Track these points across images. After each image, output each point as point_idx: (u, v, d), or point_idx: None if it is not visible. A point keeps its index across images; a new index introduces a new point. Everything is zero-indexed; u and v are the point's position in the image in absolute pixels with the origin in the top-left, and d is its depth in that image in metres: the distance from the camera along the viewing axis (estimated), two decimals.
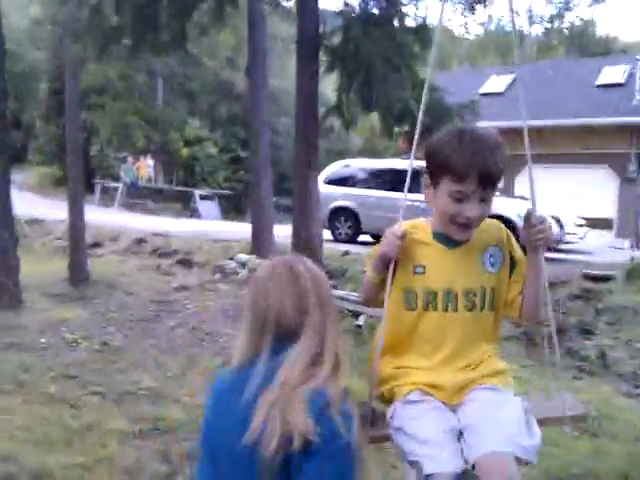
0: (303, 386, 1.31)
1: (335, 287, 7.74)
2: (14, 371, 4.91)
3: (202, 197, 20.03)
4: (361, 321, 6.91)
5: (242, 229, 14.16)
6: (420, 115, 1.83)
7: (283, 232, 11.20)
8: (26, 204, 16.13)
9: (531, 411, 1.52)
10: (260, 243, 10.39)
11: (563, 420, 1.66)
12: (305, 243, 6.97)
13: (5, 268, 6.87)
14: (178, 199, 21.50)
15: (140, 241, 11.59)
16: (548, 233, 1.52)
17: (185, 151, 22.81)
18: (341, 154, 22.51)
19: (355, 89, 6.71)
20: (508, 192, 14.42)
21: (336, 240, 11.47)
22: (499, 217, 10.78)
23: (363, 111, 7.25)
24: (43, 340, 5.91)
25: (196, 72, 24.68)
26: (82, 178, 9.09)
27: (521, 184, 16.32)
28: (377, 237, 12.41)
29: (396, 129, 7.79)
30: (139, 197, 20.50)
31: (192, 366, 5.56)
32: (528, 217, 1.53)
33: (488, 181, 1.47)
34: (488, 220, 1.59)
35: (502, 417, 1.44)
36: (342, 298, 7.59)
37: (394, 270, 1.62)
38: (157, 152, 23.80)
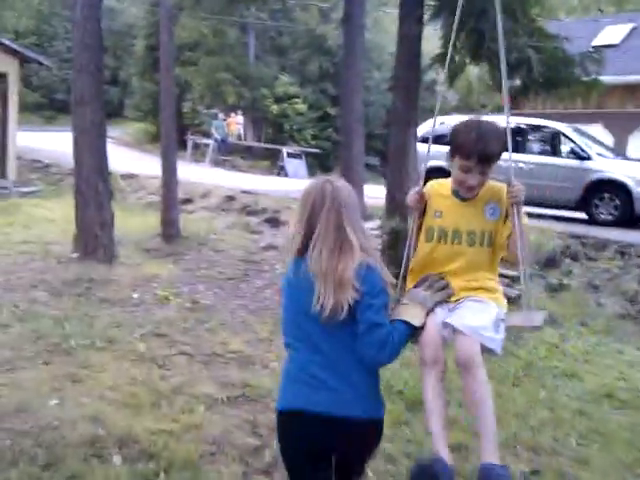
0: (341, 265, 1.89)
1: None
2: (106, 327, 4.90)
3: (290, 155, 19.83)
4: None
5: None
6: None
7: (370, 192, 10.81)
8: (122, 159, 16.60)
9: (502, 317, 2.07)
10: None
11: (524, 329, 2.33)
12: (399, 205, 6.53)
13: (100, 222, 6.94)
14: (266, 156, 21.47)
15: (229, 198, 11.57)
16: (519, 196, 2.04)
17: (275, 108, 22.63)
18: (434, 111, 21.47)
19: (463, 36, 6.10)
20: (620, 150, 13.17)
21: None
22: (611, 182, 9.89)
23: (472, 60, 6.61)
24: (135, 295, 5.92)
25: (288, 27, 24.27)
26: (175, 134, 9.06)
27: (635, 144, 14.94)
28: None
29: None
30: (229, 154, 20.60)
31: (279, 330, 5.37)
32: (508, 183, 2.07)
33: (485, 161, 2.03)
34: (494, 183, 2.13)
35: (479, 315, 2.00)
36: None
37: (423, 215, 2.21)
38: (247, 109, 23.77)
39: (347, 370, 1.91)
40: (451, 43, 3.34)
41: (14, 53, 12.43)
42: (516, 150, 10.68)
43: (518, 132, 11.04)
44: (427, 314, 1.99)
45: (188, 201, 11.49)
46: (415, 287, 2.10)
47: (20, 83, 27.44)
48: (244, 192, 11.74)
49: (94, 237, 6.91)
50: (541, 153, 10.81)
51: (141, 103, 26.41)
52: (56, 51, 30.12)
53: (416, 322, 1.96)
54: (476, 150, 2.01)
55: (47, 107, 30.15)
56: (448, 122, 11.96)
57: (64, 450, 3.04)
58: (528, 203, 9.35)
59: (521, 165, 10.35)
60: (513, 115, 12.70)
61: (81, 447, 3.07)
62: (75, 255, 6.87)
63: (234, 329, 5.29)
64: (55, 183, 13.52)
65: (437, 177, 8.24)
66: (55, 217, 9.54)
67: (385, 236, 6.64)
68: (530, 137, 11.09)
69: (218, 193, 11.83)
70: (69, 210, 7.16)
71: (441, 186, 2.21)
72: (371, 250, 2.02)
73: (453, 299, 2.07)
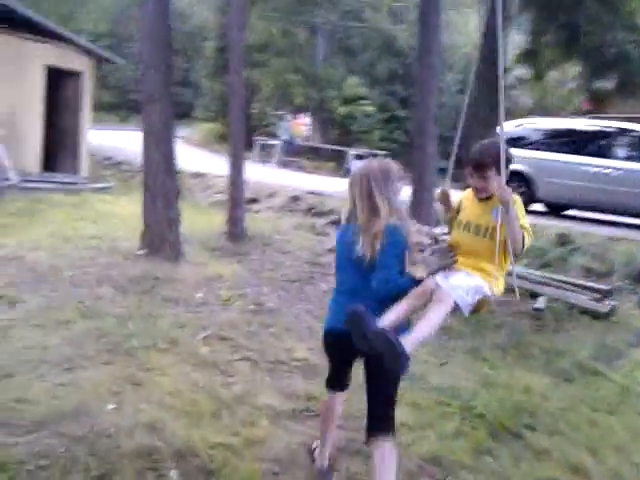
0: (373, 225, 2.61)
1: None
2: (169, 327, 4.75)
3: (356, 157, 19.54)
4: (541, 303, 5.98)
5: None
6: None
7: None
8: (191, 158, 16.77)
9: (483, 292, 2.59)
10: (418, 207, 9.64)
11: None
12: None
13: (167, 219, 6.86)
14: (332, 158, 21.23)
15: (295, 199, 11.38)
16: (504, 197, 2.49)
17: (342, 109, 22.38)
18: (509, 114, 20.71)
19: (553, 31, 5.62)
20: None
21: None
22: None
23: (563, 58, 6.11)
24: (199, 295, 5.76)
25: (358, 28, 23.99)
26: (243, 134, 8.93)
27: None
28: (554, 206, 11.05)
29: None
30: (295, 155, 20.50)
31: None
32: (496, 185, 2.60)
33: (479, 168, 2.71)
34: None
35: (462, 279, 2.57)
36: (518, 276, 6.67)
37: (456, 212, 2.88)
38: (314, 110, 23.66)
39: (372, 299, 2.57)
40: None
41: (88, 52, 12.71)
42: (601, 155, 10.00)
43: (603, 136, 10.33)
44: (428, 274, 2.65)
45: (254, 201, 11.37)
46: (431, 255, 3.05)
47: (95, 82, 28.43)
48: (310, 193, 11.52)
49: (161, 234, 6.83)
50: (629, 159, 10.05)
51: (211, 104, 26.80)
52: (131, 52, 30.99)
53: (417, 275, 2.66)
54: (472, 160, 2.75)
55: (122, 106, 31.12)
56: (525, 124, 11.41)
57: (119, 460, 2.85)
58: (615, 212, 8.61)
59: (607, 171, 9.66)
60: (598, 118, 11.96)
61: (137, 459, 2.87)
62: (141, 252, 6.81)
63: (299, 335, 5.04)
64: (126, 180, 13.74)
65: (515, 182, 7.79)
66: (124, 213, 9.58)
67: None
68: (617, 142, 10.33)
69: (284, 193, 11.66)
70: (138, 207, 7.11)
71: (470, 191, 2.85)
72: (399, 212, 2.70)
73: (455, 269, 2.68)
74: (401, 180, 2.79)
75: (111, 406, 3.39)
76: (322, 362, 4.44)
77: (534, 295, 6.32)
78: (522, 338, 5.51)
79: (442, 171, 15.25)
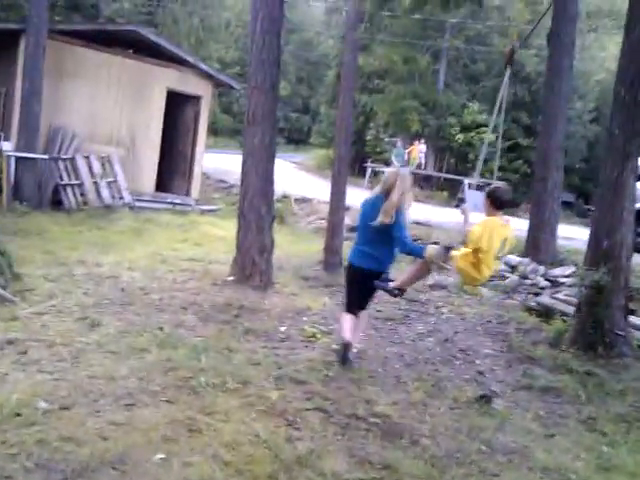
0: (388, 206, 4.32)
1: (631, 310, 5.88)
2: (243, 364, 4.41)
3: (471, 186, 18.62)
4: None
5: (514, 225, 12.54)
6: None
7: (564, 232, 9.40)
8: (301, 183, 16.81)
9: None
10: (537, 244, 8.78)
11: None
12: (606, 253, 5.27)
13: (259, 247, 6.63)
14: (446, 187, 20.45)
15: None
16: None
17: (460, 137, 21.56)
18: None
19: None
20: None
21: (637, 250, 9.16)
22: None
23: None
24: (282, 329, 5.42)
25: (482, 53, 23.15)
26: (348, 159, 8.62)
27: None
28: None
29: None
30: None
31: (438, 393, 4.48)
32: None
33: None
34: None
35: None
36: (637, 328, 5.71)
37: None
38: (431, 137, 23.02)
39: (380, 252, 4.47)
40: None
41: (208, 77, 13.08)
42: None
43: None
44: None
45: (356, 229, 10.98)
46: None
47: (219, 107, 29.61)
48: (416, 223, 10.94)
49: (252, 262, 6.61)
50: None
51: (326, 130, 27.03)
52: None
53: (425, 253, 4.42)
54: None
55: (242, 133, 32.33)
56: None
57: None
58: None
59: None
60: None
61: None
62: (231, 278, 6.62)
63: (383, 384, 4.50)
64: (235, 203, 13.89)
65: None
66: (227, 236, 9.57)
67: (584, 290, 5.39)
68: None
69: None
70: None
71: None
72: (404, 202, 4.41)
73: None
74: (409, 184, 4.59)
75: (160, 456, 3.06)
76: (406, 421, 3.90)
77: None
78: None
79: (567, 205, 14.13)
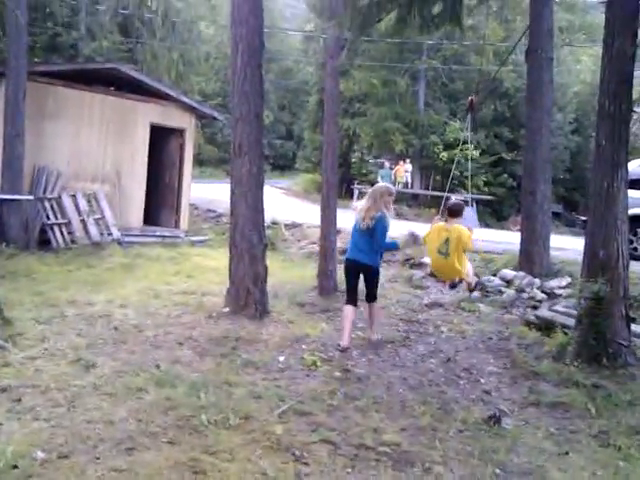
0: (370, 212, 5.63)
1: (632, 319, 5.82)
2: (244, 398, 4.29)
3: (467, 203, 18.71)
4: None
5: (505, 238, 12.54)
6: None
7: (555, 243, 9.37)
8: (289, 208, 16.77)
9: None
10: (531, 257, 8.75)
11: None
12: (603, 263, 5.24)
13: (253, 276, 6.54)
14: (433, 204, 20.50)
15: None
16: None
17: (444, 155, 21.71)
18: (632, 153, 19.03)
19: None
20: None
21: (631, 257, 9.15)
22: None
23: None
24: (281, 359, 5.31)
25: (460, 72, 23.46)
26: (336, 182, 8.58)
27: None
28: None
29: None
30: (394, 202, 20.01)
31: (446, 416, 4.38)
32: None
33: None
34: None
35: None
36: None
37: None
38: (415, 156, 23.17)
39: (367, 249, 5.65)
40: None
41: (191, 109, 13.09)
42: None
43: None
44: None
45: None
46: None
47: (204, 139, 29.68)
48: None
49: (246, 291, 6.51)
50: None
51: (311, 155, 27.15)
52: None
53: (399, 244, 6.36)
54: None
55: (228, 162, 32.38)
56: None
57: None
58: None
59: None
60: None
61: None
62: (226, 310, 6.51)
63: (389, 411, 4.40)
64: (224, 232, 13.79)
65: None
66: (219, 266, 9.45)
67: (584, 301, 5.34)
68: None
69: None
70: None
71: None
72: (383, 209, 5.64)
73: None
74: (391, 196, 5.85)
75: None
76: (416, 448, 3.80)
77: None
78: None
79: (554, 215, 14.24)
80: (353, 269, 5.82)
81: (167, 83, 16.53)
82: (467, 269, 5.89)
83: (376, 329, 6.13)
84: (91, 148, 11.62)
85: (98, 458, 3.32)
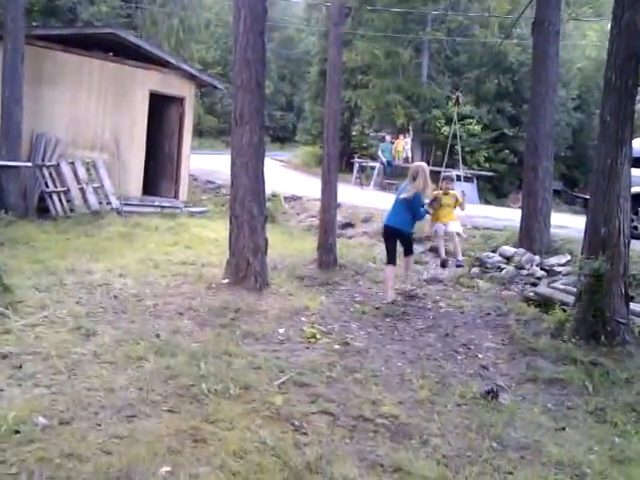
0: (412, 188, 6.72)
1: (631, 297, 5.83)
2: (244, 369, 4.31)
3: (459, 178, 18.61)
4: None
5: (505, 215, 12.51)
6: None
7: (555, 221, 9.35)
8: (289, 181, 16.68)
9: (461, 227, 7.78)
10: (531, 234, 8.73)
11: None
12: (604, 240, 5.23)
13: (253, 248, 6.52)
14: (434, 180, 20.40)
15: None
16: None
17: (446, 129, 21.51)
18: (635, 130, 18.85)
19: None
20: None
21: (632, 236, 9.13)
22: None
23: None
24: (280, 331, 5.33)
25: (464, 45, 23.14)
26: (337, 155, 8.51)
27: None
28: None
29: None
30: (394, 177, 19.89)
31: (444, 390, 4.41)
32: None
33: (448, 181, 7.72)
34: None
35: (454, 225, 7.40)
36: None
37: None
38: (416, 130, 22.98)
39: (404, 217, 6.74)
40: None
41: (191, 78, 12.91)
42: None
43: None
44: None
45: (348, 225, 10.93)
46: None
47: (203, 108, 29.34)
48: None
49: (246, 263, 6.50)
50: None
51: (312, 127, 26.89)
52: None
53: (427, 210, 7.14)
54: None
55: (228, 132, 32.05)
56: None
57: None
58: None
59: None
60: None
61: None
62: (226, 281, 6.51)
63: (388, 384, 4.43)
64: (224, 204, 13.74)
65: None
66: (219, 238, 9.45)
67: (584, 278, 5.35)
68: None
69: (380, 218, 11.07)
70: None
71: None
72: (423, 187, 6.73)
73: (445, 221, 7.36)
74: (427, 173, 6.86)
75: (165, 469, 2.96)
76: (414, 420, 3.83)
77: None
78: None
79: (555, 193, 14.06)
80: (391, 233, 6.86)
81: (166, 50, 16.27)
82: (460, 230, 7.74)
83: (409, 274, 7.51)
84: (90, 115, 11.48)
85: (99, 425, 3.34)
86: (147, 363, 4.29)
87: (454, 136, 14.30)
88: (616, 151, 5.22)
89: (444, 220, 7.35)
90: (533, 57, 9.31)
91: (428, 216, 7.30)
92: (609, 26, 5.87)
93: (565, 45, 23.03)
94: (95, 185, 10.98)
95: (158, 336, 4.87)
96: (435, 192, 7.40)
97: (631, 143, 5.42)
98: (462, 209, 7.60)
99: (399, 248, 6.95)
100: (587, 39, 25.83)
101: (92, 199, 10.79)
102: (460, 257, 7.49)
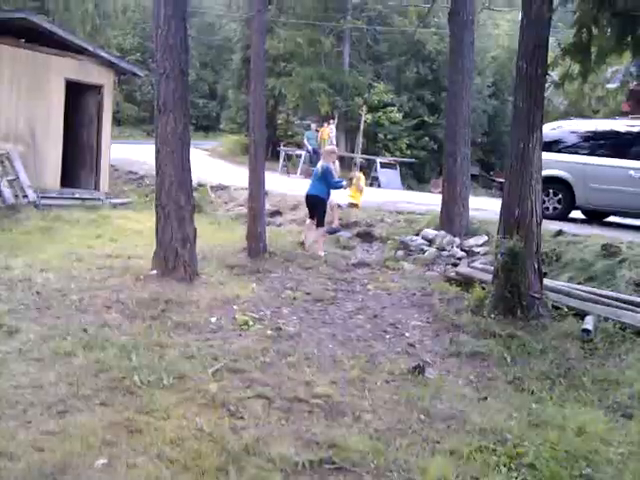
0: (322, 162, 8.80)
1: (544, 273, 6.23)
2: (177, 359, 4.32)
3: (383, 165, 19.06)
4: (589, 324, 5.38)
5: (427, 200, 12.94)
6: None
7: (475, 204, 9.80)
8: (215, 171, 16.50)
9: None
10: (451, 217, 9.12)
11: None
12: (518, 221, 5.56)
13: (181, 237, 6.45)
14: (359, 167, 20.72)
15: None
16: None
17: (368, 117, 21.87)
18: (544, 116, 19.85)
19: (605, 21, 5.06)
20: None
21: (544, 217, 9.71)
22: None
23: (615, 49, 5.50)
24: (212, 320, 5.34)
25: (384, 34, 23.54)
26: (264, 143, 8.51)
27: None
28: (593, 213, 10.39)
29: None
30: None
31: (374, 368, 4.59)
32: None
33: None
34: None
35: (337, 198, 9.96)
36: (559, 291, 6.09)
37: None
38: (340, 118, 23.22)
39: (318, 186, 8.48)
40: None
41: (109, 65, 12.50)
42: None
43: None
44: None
45: (277, 213, 10.99)
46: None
47: (122, 96, 28.37)
48: (336, 204, 11.03)
49: (174, 254, 6.43)
50: None
51: (236, 116, 26.63)
52: None
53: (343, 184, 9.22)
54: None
55: (148, 121, 31.11)
56: (564, 126, 10.77)
57: None
58: None
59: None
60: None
61: None
62: (154, 272, 6.42)
63: (320, 365, 4.55)
64: (148, 195, 13.42)
65: (554, 187, 7.19)
66: (143, 229, 9.26)
67: (500, 257, 5.67)
68: None
69: None
70: None
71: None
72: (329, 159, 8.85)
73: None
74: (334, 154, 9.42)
75: (102, 461, 2.96)
76: (346, 399, 3.97)
77: (580, 314, 5.72)
78: (570, 365, 4.92)
79: (474, 178, 14.81)
80: (311, 200, 8.61)
81: (82, 37, 15.64)
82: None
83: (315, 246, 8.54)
84: (1, 105, 10.91)
85: (29, 422, 3.27)
86: (76, 358, 4.22)
87: (387, 120, 16.18)
88: (528, 135, 5.55)
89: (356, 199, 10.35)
90: (450, 46, 9.66)
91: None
92: (520, 16, 6.20)
93: (479, 34, 23.84)
94: (10, 178, 10.47)
95: (85, 330, 4.77)
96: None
97: (542, 128, 5.77)
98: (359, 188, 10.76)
99: None
100: (500, 29, 26.89)
101: (7, 193, 10.28)
102: (334, 224, 9.78)
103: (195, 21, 36.74)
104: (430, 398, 4.08)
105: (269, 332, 5.18)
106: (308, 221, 8.89)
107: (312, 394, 3.99)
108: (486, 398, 4.22)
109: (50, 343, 4.44)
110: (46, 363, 4.10)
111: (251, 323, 5.32)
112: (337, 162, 8.90)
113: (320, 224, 8.49)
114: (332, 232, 9.48)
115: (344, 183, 9.21)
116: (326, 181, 8.39)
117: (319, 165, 8.62)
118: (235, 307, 5.76)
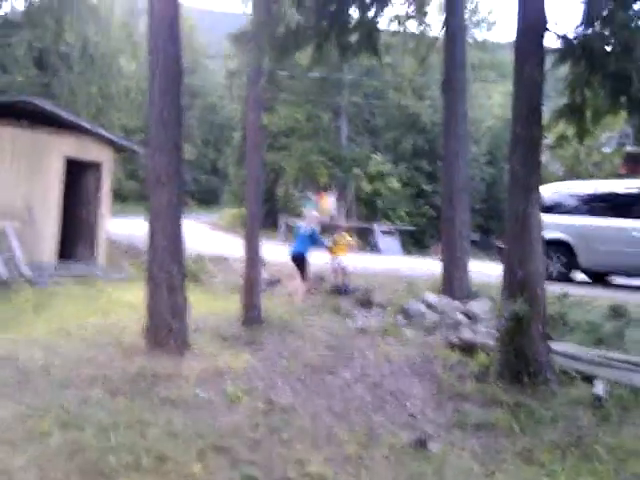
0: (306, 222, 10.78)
1: (550, 337, 5.95)
2: (159, 438, 4.02)
3: (382, 232, 19.11)
4: (600, 389, 5.06)
5: (427, 266, 12.77)
6: None
7: (473, 268, 9.61)
8: (215, 242, 16.48)
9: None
10: (451, 281, 8.92)
11: None
12: (522, 283, 5.36)
13: (172, 308, 6.25)
14: (359, 235, 20.76)
15: (320, 278, 10.76)
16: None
17: (368, 187, 22.12)
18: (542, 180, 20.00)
19: (597, 82, 5.05)
20: None
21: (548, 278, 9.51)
22: None
23: (610, 110, 5.47)
24: (201, 394, 5.04)
25: (380, 108, 24.17)
26: (259, 214, 8.45)
27: None
28: (596, 274, 10.19)
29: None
30: (320, 233, 20.09)
31: (373, 442, 4.28)
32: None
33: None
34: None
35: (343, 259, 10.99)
36: (566, 355, 5.80)
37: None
38: (340, 189, 23.49)
39: (301, 246, 9.80)
40: None
41: (109, 143, 12.70)
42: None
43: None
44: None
45: (275, 282, 10.80)
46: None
47: (123, 173, 28.82)
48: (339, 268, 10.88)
49: (165, 325, 6.20)
50: None
51: (237, 190, 26.97)
52: None
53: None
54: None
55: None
56: (562, 190, 10.75)
57: None
58: None
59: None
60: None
61: None
62: (144, 345, 6.17)
63: (314, 441, 4.24)
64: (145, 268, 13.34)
65: (557, 250, 6.96)
66: (138, 302, 9.04)
67: (504, 321, 5.42)
68: None
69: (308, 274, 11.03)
70: None
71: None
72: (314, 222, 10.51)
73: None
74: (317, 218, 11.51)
75: None
76: (341, 478, 3.66)
77: (589, 378, 5.41)
78: (582, 433, 4.58)
79: (474, 243, 14.72)
80: (295, 256, 9.63)
81: (86, 118, 16.02)
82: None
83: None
84: (1, 184, 11.00)
85: None
86: (51, 438, 3.93)
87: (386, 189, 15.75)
88: (526, 197, 5.44)
89: (342, 252, 10.58)
90: (444, 115, 9.77)
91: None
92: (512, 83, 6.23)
93: (472, 105, 24.52)
94: (5, 255, 10.40)
95: (65, 409, 4.48)
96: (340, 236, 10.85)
97: (539, 189, 5.67)
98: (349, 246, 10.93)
99: None
100: (493, 99, 27.62)
101: (2, 269, 10.18)
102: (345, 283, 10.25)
103: (198, 102, 38.04)
104: (433, 474, 3.77)
105: (261, 405, 4.89)
106: (304, 283, 9.78)
107: (304, 473, 3.68)
108: (494, 473, 3.89)
109: (26, 423, 4.16)
110: (19, 446, 3.81)
111: (241, 396, 5.03)
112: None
113: (305, 277, 9.62)
114: (345, 291, 10.03)
115: (329, 244, 10.60)
116: (313, 240, 9.79)
117: (306, 227, 10.02)
118: (226, 379, 5.48)
